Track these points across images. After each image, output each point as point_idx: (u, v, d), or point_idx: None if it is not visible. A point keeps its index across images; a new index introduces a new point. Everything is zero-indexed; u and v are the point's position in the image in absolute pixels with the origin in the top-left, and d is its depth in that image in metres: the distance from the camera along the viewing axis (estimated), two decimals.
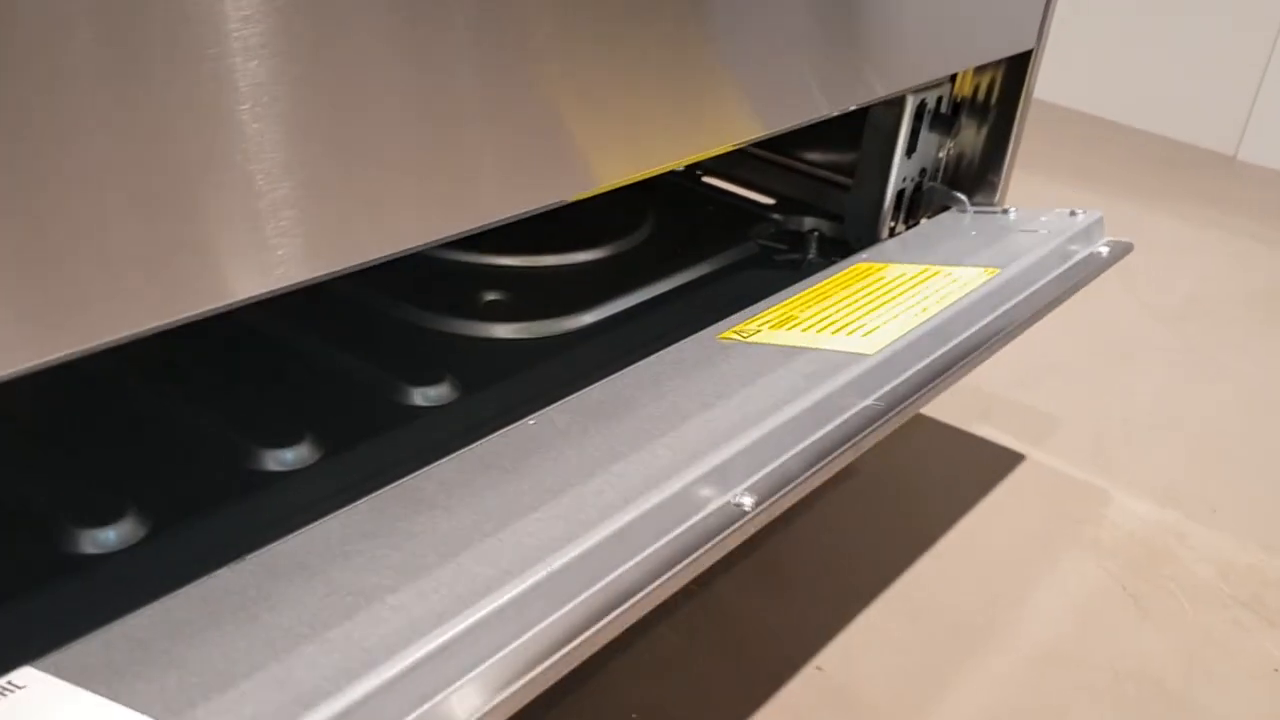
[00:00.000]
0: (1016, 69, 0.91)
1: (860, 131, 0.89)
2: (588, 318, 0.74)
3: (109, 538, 0.50)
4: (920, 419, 0.96)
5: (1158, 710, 0.67)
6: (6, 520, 0.52)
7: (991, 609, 0.75)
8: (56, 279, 0.35)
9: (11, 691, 0.38)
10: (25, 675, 0.39)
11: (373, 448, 0.58)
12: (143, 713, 0.36)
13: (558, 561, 0.44)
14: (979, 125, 0.94)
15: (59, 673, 0.39)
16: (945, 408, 0.98)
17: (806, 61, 0.66)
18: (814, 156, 0.96)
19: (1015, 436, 0.96)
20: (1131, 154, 1.76)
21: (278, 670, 0.38)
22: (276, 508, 0.51)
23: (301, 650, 0.39)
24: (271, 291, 0.42)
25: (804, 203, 0.94)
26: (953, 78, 0.91)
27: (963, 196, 0.92)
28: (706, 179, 1.00)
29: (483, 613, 0.41)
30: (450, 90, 0.45)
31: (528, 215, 0.52)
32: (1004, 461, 0.92)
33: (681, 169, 1.02)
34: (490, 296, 0.74)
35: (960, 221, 0.89)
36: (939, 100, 0.90)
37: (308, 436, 0.57)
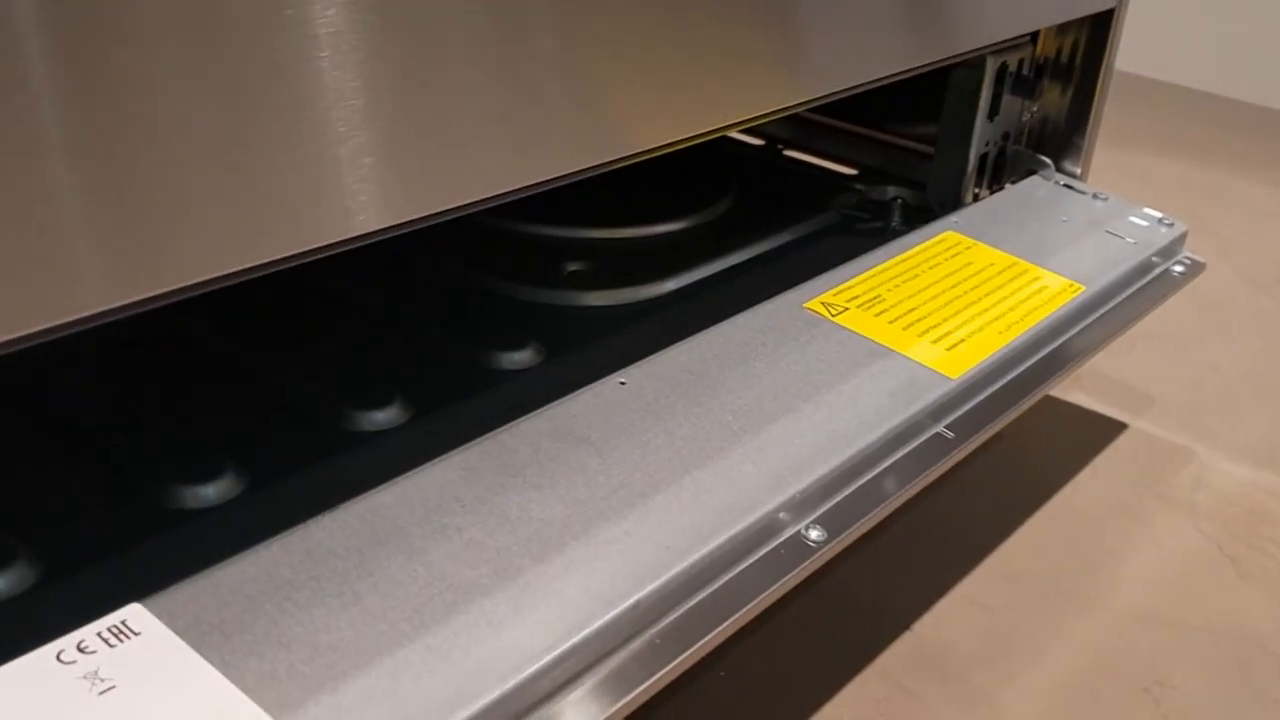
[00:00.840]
0: (1098, 30, 0.90)
1: (940, 99, 0.88)
2: (669, 285, 0.74)
3: (209, 494, 0.52)
4: None
5: (1257, 669, 0.71)
6: (110, 475, 0.53)
7: (1086, 572, 0.78)
8: (147, 220, 0.36)
9: (125, 638, 0.40)
10: (137, 616, 0.41)
11: (460, 410, 0.60)
12: (257, 702, 0.38)
13: (644, 590, 0.46)
14: (1061, 89, 0.93)
15: (169, 620, 0.41)
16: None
17: (884, 16, 0.66)
18: (894, 126, 0.95)
19: (1108, 403, 0.98)
20: (1218, 122, 1.72)
21: (383, 678, 0.40)
22: (369, 467, 0.52)
23: (406, 656, 0.41)
24: (354, 239, 0.43)
25: (885, 172, 0.94)
26: (1034, 40, 0.89)
27: (1048, 160, 0.91)
28: (787, 153, 0.99)
29: (573, 641, 0.43)
30: (527, 39, 0.46)
31: (606, 168, 0.53)
32: (1097, 428, 0.94)
33: (762, 143, 1.01)
34: (572, 267, 0.75)
35: (1048, 195, 0.88)
36: (1020, 63, 0.89)
37: (398, 399, 0.59)
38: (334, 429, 0.58)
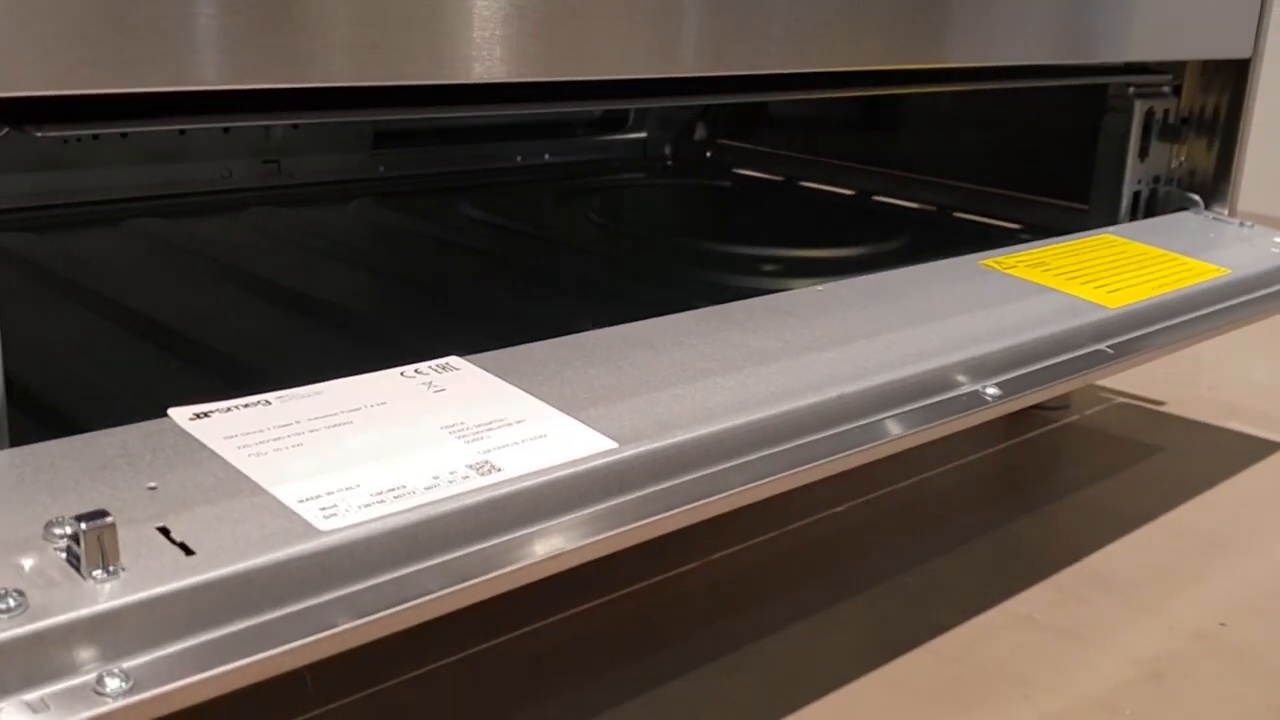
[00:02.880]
0: (1237, 81, 0.99)
1: (1092, 160, 0.99)
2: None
3: None
4: (1167, 416, 1.06)
5: None
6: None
7: (1245, 533, 0.84)
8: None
9: (448, 371, 0.52)
10: (456, 361, 0.53)
11: None
12: (549, 404, 0.49)
13: (846, 388, 0.56)
14: (1208, 139, 1.02)
15: (481, 364, 0.53)
16: (1190, 408, 1.08)
17: (1042, 8, 0.77)
18: (1051, 189, 1.06)
19: (1265, 430, 1.04)
20: None
21: (639, 403, 0.51)
22: None
23: (658, 396, 0.52)
24: (481, 79, 0.50)
25: (1045, 226, 1.04)
26: (1178, 91, 1.00)
27: (1197, 198, 1.01)
28: (958, 215, 1.12)
29: (789, 406, 0.53)
30: None
31: (724, 79, 0.61)
32: (1253, 446, 1.01)
33: (935, 207, 1.14)
34: (768, 268, 0.89)
35: (1200, 223, 0.97)
36: (1166, 112, 0.99)
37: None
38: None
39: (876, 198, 1.17)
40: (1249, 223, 0.97)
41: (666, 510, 0.46)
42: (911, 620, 0.71)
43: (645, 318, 0.61)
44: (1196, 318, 0.78)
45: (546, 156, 1.24)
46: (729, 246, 0.93)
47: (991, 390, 0.62)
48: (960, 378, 0.62)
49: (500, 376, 0.52)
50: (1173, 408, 1.07)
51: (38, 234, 0.87)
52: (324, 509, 0.40)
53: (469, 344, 0.55)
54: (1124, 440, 1.00)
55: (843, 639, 0.70)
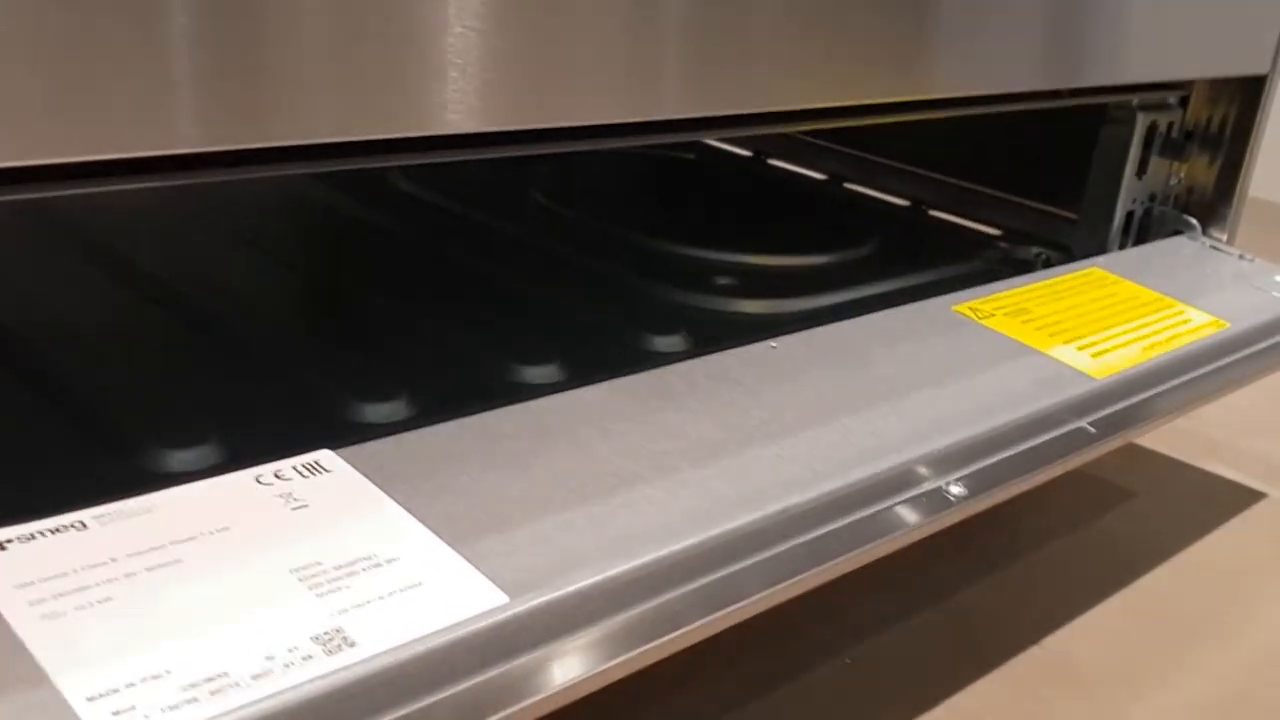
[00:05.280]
0: (1249, 97, 0.91)
1: (1086, 166, 0.91)
2: (814, 303, 0.77)
3: (381, 412, 0.55)
4: (1146, 452, 0.99)
5: None
6: (297, 392, 0.58)
7: (1220, 613, 0.78)
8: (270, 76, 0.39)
9: (317, 473, 0.43)
10: (328, 459, 0.44)
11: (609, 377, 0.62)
12: (433, 531, 0.41)
13: (790, 500, 0.48)
14: (1211, 156, 0.94)
15: (356, 464, 0.44)
16: (1171, 443, 1.01)
17: (1037, 31, 0.69)
18: (1039, 191, 0.98)
19: (1245, 474, 0.98)
20: None
21: (546, 529, 0.43)
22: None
23: (569, 517, 0.44)
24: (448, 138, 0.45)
25: (1029, 233, 0.96)
26: (1184, 103, 0.91)
27: (1194, 222, 0.93)
28: (933, 212, 1.03)
29: (723, 528, 0.45)
30: None
31: (706, 118, 0.55)
32: (1235, 495, 0.94)
33: (908, 203, 1.05)
34: (723, 281, 0.80)
35: (1194, 252, 0.89)
36: (1170, 126, 0.91)
37: (556, 361, 0.62)
38: (500, 381, 0.61)
39: (848, 185, 1.08)
40: (1249, 255, 0.89)
41: (557, 684, 0.39)
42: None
43: (578, 342, 0.56)
44: (1190, 380, 0.71)
45: None
46: (681, 247, 0.84)
47: (956, 489, 0.55)
48: (922, 471, 0.54)
49: (380, 484, 0.43)
50: (1148, 440, 1.00)
51: None
52: (116, 713, 0.32)
53: (366, 382, 0.50)
54: (1092, 481, 0.93)
55: None
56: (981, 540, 0.82)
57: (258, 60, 0.39)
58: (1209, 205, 0.94)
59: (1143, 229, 0.93)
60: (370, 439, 0.48)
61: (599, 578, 0.41)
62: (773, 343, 0.61)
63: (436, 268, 0.77)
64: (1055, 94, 0.79)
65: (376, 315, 0.67)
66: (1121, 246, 0.92)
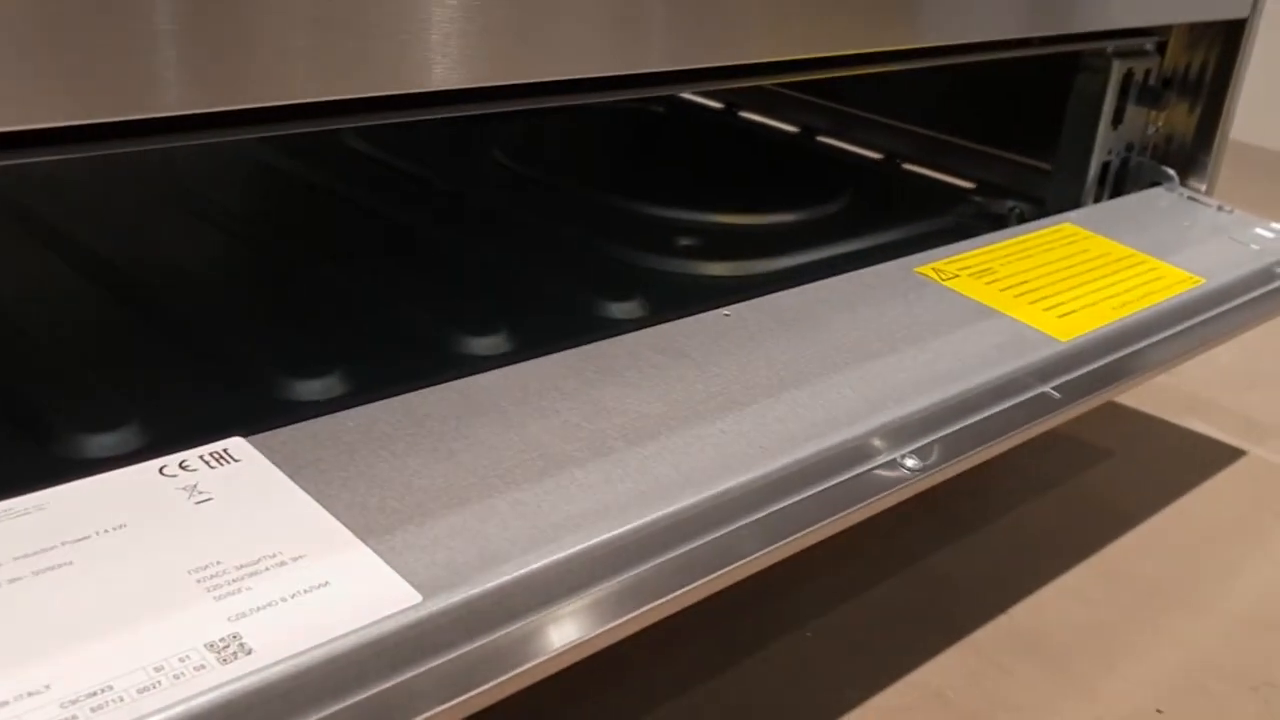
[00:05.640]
0: (1228, 43, 0.88)
1: (1061, 115, 0.88)
2: (780, 263, 0.75)
3: (314, 389, 0.53)
4: (1123, 409, 0.97)
5: None
6: (226, 370, 0.55)
7: (1193, 578, 0.76)
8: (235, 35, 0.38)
9: (225, 463, 0.41)
10: (238, 447, 0.42)
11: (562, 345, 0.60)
12: (345, 525, 0.39)
13: (734, 481, 0.46)
14: (1190, 104, 0.91)
15: (268, 453, 0.42)
16: (1149, 399, 0.99)
17: None
18: (1013, 141, 0.95)
19: (1228, 431, 0.96)
20: None
21: (469, 519, 0.41)
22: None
23: (494, 504, 0.41)
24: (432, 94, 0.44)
25: (1004, 187, 0.93)
26: (1161, 50, 0.88)
27: (1172, 173, 0.90)
28: (907, 166, 1.00)
29: (660, 513, 0.43)
30: None
31: (691, 71, 0.53)
32: (1215, 452, 0.92)
33: (881, 156, 1.02)
34: (686, 241, 0.77)
35: (1171, 204, 0.86)
36: (1147, 73, 0.88)
37: (504, 329, 0.60)
38: (447, 353, 0.59)
39: (821, 138, 1.05)
40: (1227, 206, 0.86)
41: (476, 686, 0.36)
42: (803, 695, 0.63)
43: (529, 310, 0.54)
44: (1162, 340, 0.68)
45: None
46: (644, 206, 0.82)
47: (910, 462, 0.52)
48: (875, 444, 0.52)
49: (292, 474, 0.41)
50: (1125, 396, 0.98)
51: None
52: None
53: (298, 357, 0.48)
54: (1067, 440, 0.91)
55: None
56: (951, 504, 0.80)
57: (235, 19, 0.37)
58: (1188, 154, 0.92)
59: (1120, 180, 0.91)
60: (304, 419, 0.46)
61: (521, 572, 0.39)
62: (725, 311, 0.58)
63: (385, 232, 0.74)
64: (1028, 42, 0.77)
65: (314, 283, 0.65)
66: (1098, 199, 0.89)
